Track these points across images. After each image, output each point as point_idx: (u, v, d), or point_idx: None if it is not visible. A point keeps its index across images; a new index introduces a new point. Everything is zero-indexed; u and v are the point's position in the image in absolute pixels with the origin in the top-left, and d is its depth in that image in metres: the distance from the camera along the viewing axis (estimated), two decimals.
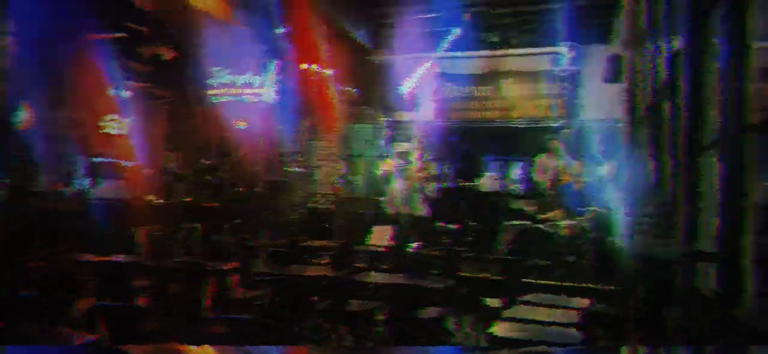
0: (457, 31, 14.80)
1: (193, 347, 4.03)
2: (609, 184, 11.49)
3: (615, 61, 10.73)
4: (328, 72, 13.97)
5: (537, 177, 13.45)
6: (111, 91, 12.76)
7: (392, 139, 16.02)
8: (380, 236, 11.64)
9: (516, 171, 14.65)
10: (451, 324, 7.95)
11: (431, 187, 14.00)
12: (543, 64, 15.11)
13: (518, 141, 15.41)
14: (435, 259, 9.70)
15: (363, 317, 7.53)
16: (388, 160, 14.80)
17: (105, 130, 13.10)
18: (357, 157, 16.04)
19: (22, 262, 8.49)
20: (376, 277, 8.42)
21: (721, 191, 4.08)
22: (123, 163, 12.86)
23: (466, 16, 14.17)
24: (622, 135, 10.09)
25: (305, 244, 10.87)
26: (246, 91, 14.02)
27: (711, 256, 4.41)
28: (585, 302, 7.28)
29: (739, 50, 3.85)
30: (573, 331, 5.63)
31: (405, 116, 16.31)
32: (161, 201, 12.27)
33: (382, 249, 10.67)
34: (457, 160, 15.53)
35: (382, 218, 13.20)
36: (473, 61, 15.72)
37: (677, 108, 5.48)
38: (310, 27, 13.27)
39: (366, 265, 9.40)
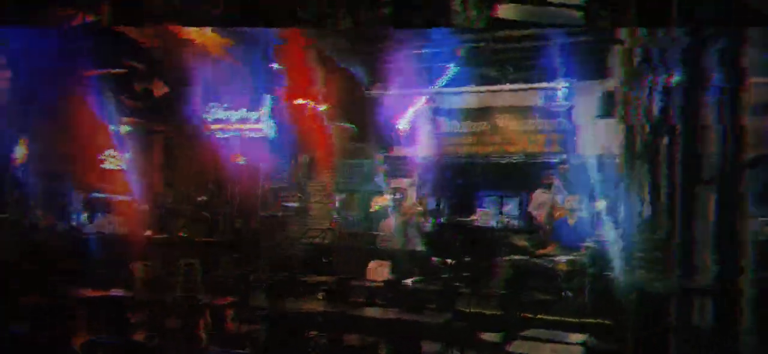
0: (451, 67, 14.85)
1: None
2: (605, 219, 11.49)
3: (610, 97, 10.78)
4: (323, 107, 14.02)
5: (533, 212, 13.46)
6: (107, 127, 12.78)
7: (387, 174, 16.02)
8: (376, 271, 11.61)
9: (512, 206, 14.66)
10: None
11: (427, 222, 13.98)
12: (538, 99, 15.14)
13: (514, 176, 15.41)
14: (432, 294, 9.68)
15: (360, 352, 7.52)
16: (384, 196, 14.78)
17: (101, 166, 13.11)
18: (352, 193, 16.04)
19: (15, 297, 8.46)
20: (372, 312, 8.41)
21: (716, 226, 4.10)
22: (118, 198, 12.86)
23: (461, 52, 14.22)
24: (617, 170, 10.12)
25: (302, 278, 10.84)
26: (241, 127, 14.06)
27: (707, 291, 4.42)
28: (582, 337, 7.29)
29: (734, 86, 3.89)
30: None
31: (400, 151, 16.31)
32: (157, 236, 12.25)
33: (379, 284, 10.64)
34: (453, 195, 15.53)
35: (378, 253, 13.17)
36: (468, 97, 15.74)
37: (672, 143, 5.52)
38: (304, 62, 13.33)
39: (363, 300, 9.37)
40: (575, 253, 11.32)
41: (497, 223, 14.15)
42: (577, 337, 7.28)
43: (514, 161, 15.58)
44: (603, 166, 12.71)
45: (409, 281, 10.88)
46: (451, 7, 9.37)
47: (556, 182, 13.27)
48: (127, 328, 7.71)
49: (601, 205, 12.15)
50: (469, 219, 14.33)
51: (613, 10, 8.21)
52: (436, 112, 16.07)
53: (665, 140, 5.89)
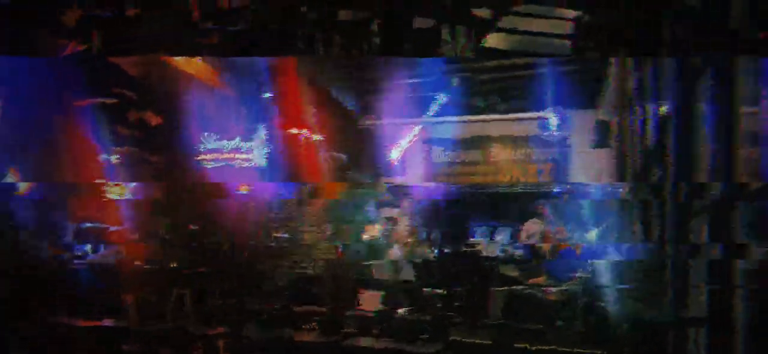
0: (444, 96, 14.90)
1: None
2: (598, 248, 11.49)
3: (603, 126, 10.83)
4: (316, 137, 14.03)
5: (525, 242, 13.45)
6: (100, 156, 12.76)
7: (379, 204, 16.00)
8: (369, 301, 11.58)
9: (504, 235, 14.62)
10: None
11: (419, 252, 13.94)
12: (531, 128, 15.19)
13: (506, 205, 15.41)
14: (424, 324, 9.67)
15: None
16: (376, 225, 14.75)
17: (93, 195, 13.07)
18: (345, 222, 16.01)
19: (12, 327, 8.42)
20: (365, 342, 8.39)
21: (710, 255, 4.11)
22: (112, 228, 12.81)
23: (454, 82, 14.28)
24: (610, 199, 10.14)
25: (294, 309, 10.80)
26: (234, 156, 14.06)
27: (701, 321, 4.42)
28: None
29: (726, 115, 3.91)
30: None
31: (392, 181, 16.31)
32: (150, 266, 12.20)
33: (371, 314, 10.62)
34: (445, 225, 15.51)
35: (370, 283, 13.12)
36: (461, 126, 15.79)
37: (665, 172, 5.54)
38: (297, 92, 13.37)
39: (355, 330, 9.36)
40: (569, 283, 11.31)
41: (490, 252, 14.10)
42: None
43: (507, 190, 15.59)
44: (595, 194, 12.73)
45: (403, 310, 10.87)
46: (440, 37, 9.46)
47: (548, 212, 13.27)
48: None
49: (594, 234, 12.16)
50: (462, 248, 14.28)
51: (600, 41, 8.27)
52: (429, 141, 16.11)
53: (658, 169, 5.91)
